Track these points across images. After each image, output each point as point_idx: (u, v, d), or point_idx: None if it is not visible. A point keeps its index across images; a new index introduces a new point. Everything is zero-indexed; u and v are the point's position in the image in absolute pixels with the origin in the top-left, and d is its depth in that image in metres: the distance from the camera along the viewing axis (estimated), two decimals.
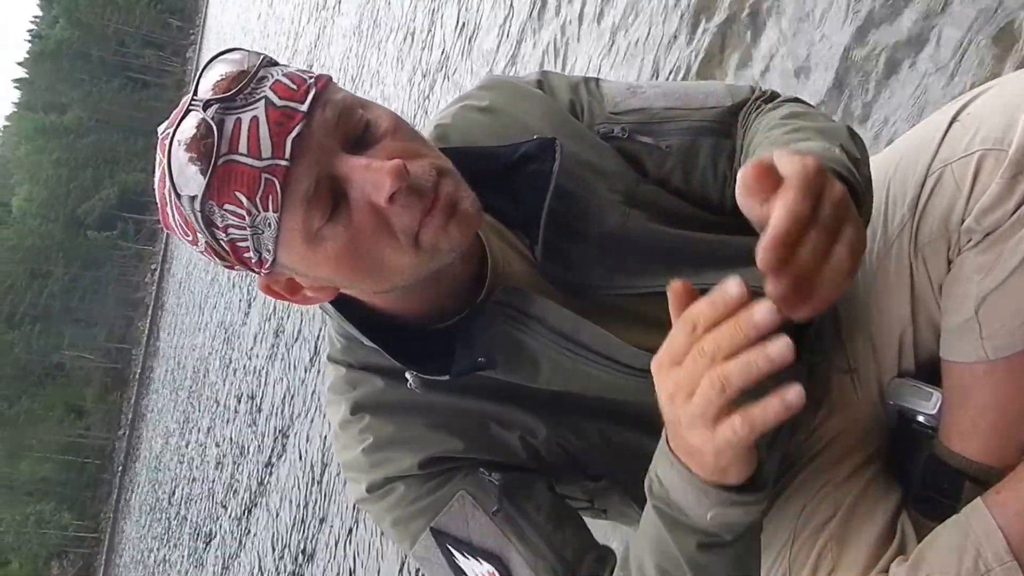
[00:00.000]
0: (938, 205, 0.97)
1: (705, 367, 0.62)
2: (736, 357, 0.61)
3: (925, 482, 1.05)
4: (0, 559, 63.24)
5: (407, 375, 0.91)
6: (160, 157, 0.82)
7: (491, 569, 0.93)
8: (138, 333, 56.72)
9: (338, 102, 0.82)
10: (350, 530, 4.69)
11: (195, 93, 0.80)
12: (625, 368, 0.94)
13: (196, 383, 17.26)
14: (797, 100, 1.06)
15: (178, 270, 37.69)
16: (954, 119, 0.97)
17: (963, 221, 0.94)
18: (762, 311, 0.60)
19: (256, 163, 0.78)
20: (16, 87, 78.78)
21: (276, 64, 0.83)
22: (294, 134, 0.78)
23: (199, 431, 14.71)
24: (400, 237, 0.83)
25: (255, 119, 0.78)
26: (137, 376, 49.11)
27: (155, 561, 18.06)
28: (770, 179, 0.63)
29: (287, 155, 0.78)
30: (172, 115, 0.82)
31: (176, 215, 0.82)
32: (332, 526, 5.05)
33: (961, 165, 0.93)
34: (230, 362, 12.15)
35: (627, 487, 1.01)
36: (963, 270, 0.95)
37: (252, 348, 10.24)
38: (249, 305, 11.52)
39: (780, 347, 0.59)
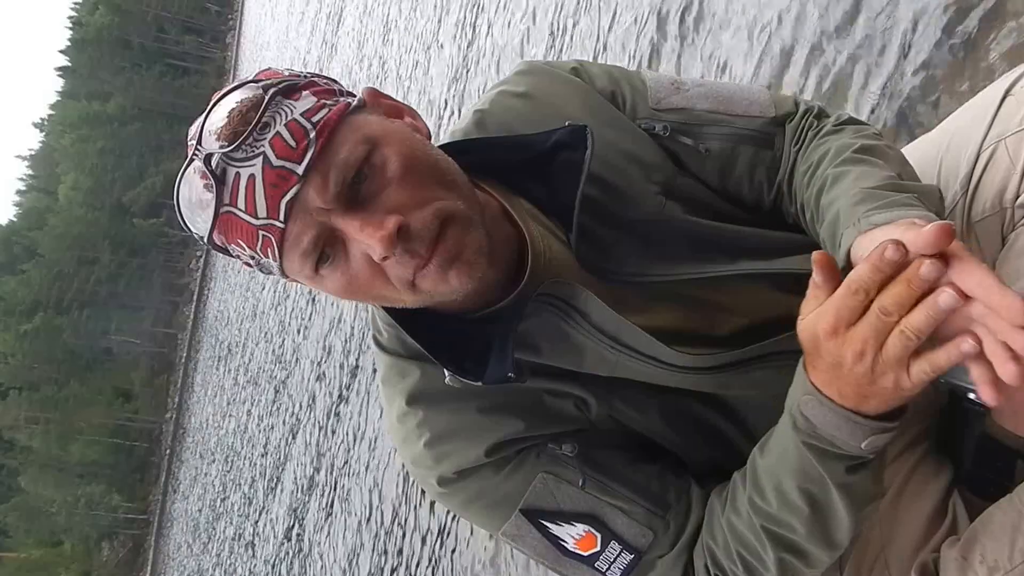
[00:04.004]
0: (992, 181, 0.95)
1: (890, 323, 0.68)
2: (916, 309, 0.67)
3: (977, 461, 1.03)
4: (52, 540, 64.90)
5: (445, 372, 0.92)
6: (174, 193, 0.86)
7: (586, 528, 0.94)
8: (183, 318, 57.16)
9: (340, 162, 0.81)
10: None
11: (200, 134, 0.82)
12: (666, 366, 0.94)
13: (242, 365, 17.25)
14: (852, 121, 1.03)
15: (222, 257, 37.54)
16: (1007, 93, 0.94)
17: (1018, 197, 0.92)
18: (929, 267, 0.65)
19: (253, 221, 0.81)
20: (59, 75, 79.56)
21: (288, 95, 0.83)
22: (288, 197, 0.80)
23: (244, 411, 14.68)
24: (396, 283, 0.86)
25: (252, 177, 0.80)
26: (183, 360, 49.42)
27: (200, 546, 18.02)
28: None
29: (281, 217, 0.81)
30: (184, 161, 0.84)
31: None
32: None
33: (1016, 140, 0.91)
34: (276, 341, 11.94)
35: (679, 449, 1.02)
36: (1016, 246, 0.94)
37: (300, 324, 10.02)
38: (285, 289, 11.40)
39: (948, 297, 0.65)
